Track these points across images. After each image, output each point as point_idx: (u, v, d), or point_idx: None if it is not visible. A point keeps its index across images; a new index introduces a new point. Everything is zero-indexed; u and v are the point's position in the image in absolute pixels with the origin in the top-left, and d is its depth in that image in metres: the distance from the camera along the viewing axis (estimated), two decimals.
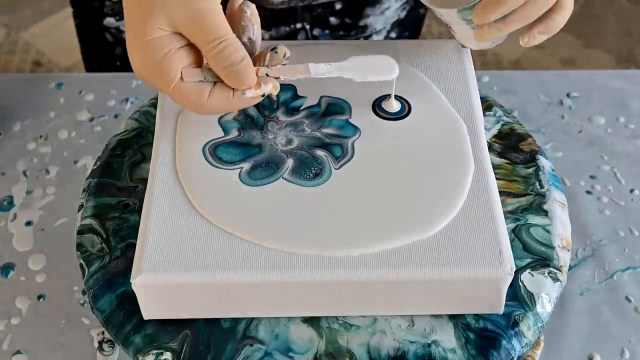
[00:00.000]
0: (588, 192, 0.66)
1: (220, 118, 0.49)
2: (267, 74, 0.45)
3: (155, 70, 0.43)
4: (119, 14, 0.79)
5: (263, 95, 0.45)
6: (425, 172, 0.46)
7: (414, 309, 0.44)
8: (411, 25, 0.83)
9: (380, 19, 0.77)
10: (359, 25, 0.77)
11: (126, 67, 0.85)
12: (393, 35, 0.82)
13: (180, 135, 0.48)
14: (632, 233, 0.63)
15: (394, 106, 0.50)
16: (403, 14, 0.80)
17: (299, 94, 0.51)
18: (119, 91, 0.73)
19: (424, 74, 0.52)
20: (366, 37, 0.79)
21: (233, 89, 0.44)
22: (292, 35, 0.77)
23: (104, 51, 0.84)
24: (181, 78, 0.43)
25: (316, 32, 0.76)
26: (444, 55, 0.53)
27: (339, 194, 0.45)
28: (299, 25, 0.75)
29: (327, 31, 0.76)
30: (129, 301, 0.44)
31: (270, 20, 0.74)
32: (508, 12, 0.46)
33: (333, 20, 0.75)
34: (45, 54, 1.74)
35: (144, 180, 0.49)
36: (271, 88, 0.45)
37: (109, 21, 0.80)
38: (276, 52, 0.45)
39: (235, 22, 0.45)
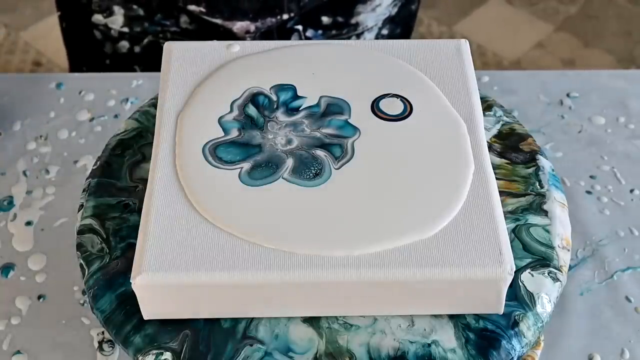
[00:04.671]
0: (588, 192, 0.66)
1: (220, 118, 0.49)
2: None
3: None
4: (106, 11, 0.79)
5: None
6: (425, 172, 0.46)
7: (414, 309, 0.44)
8: (402, 22, 0.83)
9: (372, 16, 0.77)
10: (351, 23, 0.77)
11: (115, 65, 0.85)
12: (385, 32, 0.81)
13: (180, 135, 0.48)
14: (632, 233, 0.63)
15: (394, 107, 0.50)
16: (394, 11, 0.79)
17: (298, 94, 0.51)
18: (119, 91, 0.73)
19: (424, 74, 0.52)
20: (358, 35, 0.79)
21: None
22: (281, 28, 0.76)
23: (93, 50, 0.84)
24: None
25: (309, 33, 0.76)
26: (444, 55, 0.53)
27: (339, 193, 0.45)
28: (285, 17, 0.74)
29: (319, 31, 0.76)
30: (129, 301, 0.44)
31: (255, 9, 0.73)
32: None
33: (325, 19, 0.75)
34: (45, 54, 1.74)
35: (144, 180, 0.49)
36: None
37: (97, 18, 0.80)
38: None
39: None
